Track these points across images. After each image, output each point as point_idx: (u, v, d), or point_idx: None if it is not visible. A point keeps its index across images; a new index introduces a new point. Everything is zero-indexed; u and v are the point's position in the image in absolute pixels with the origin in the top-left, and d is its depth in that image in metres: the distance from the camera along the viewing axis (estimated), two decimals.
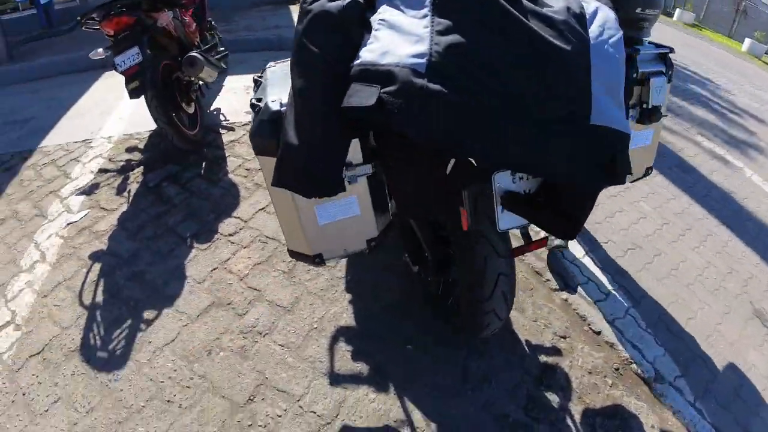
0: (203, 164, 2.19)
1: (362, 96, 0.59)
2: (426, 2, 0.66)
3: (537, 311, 1.54)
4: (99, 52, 1.78)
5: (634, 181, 1.19)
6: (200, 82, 2.29)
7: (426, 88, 0.58)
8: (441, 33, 0.62)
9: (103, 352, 1.37)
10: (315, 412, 1.21)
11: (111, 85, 3.01)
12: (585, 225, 1.97)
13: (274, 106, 0.71)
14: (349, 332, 1.42)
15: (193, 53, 1.73)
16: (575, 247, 1.87)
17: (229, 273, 1.63)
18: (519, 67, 0.64)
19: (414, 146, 0.70)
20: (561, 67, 0.67)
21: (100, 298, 1.55)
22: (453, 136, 0.61)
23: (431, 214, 0.95)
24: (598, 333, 1.51)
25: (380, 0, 0.69)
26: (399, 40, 0.63)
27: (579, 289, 1.67)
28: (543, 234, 1.22)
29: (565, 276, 1.69)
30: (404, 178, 0.79)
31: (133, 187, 2.07)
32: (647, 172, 1.17)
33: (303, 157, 0.65)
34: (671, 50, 1.04)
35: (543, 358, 1.39)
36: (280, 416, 1.20)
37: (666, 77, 1.02)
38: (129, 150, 2.35)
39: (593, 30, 0.74)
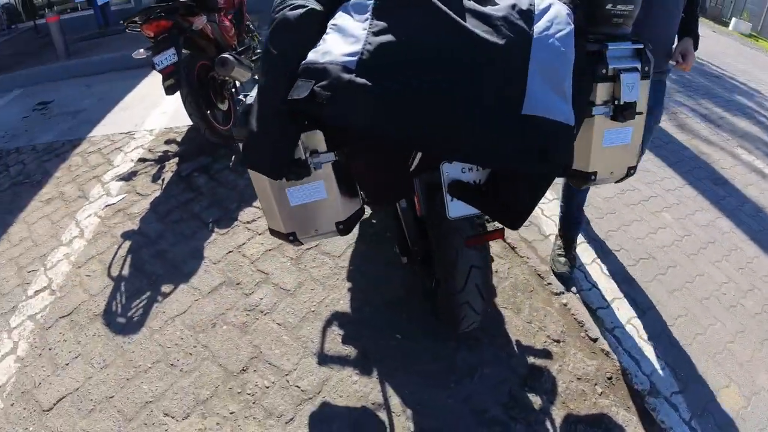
0: (233, 157, 2.36)
1: (300, 90, 0.67)
2: (369, 7, 0.74)
3: (533, 313, 1.53)
4: (141, 52, 2.00)
5: (618, 181, 1.16)
6: (234, 82, 2.48)
7: (352, 82, 0.66)
8: (375, 34, 0.70)
9: (122, 318, 1.52)
10: (299, 387, 1.28)
11: (157, 82, 3.26)
12: (597, 232, 1.95)
13: (248, 101, 0.81)
14: (343, 318, 1.49)
15: (225, 54, 1.90)
16: (584, 253, 1.83)
17: (242, 256, 1.76)
18: (450, 62, 0.70)
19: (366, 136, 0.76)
20: (492, 61, 0.72)
21: (126, 271, 1.72)
22: (378, 125, 0.67)
23: (392, 201, 1.00)
24: (595, 340, 1.47)
25: (339, 7, 0.78)
26: (340, 41, 0.71)
27: (578, 295, 1.64)
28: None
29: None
30: (362, 165, 0.85)
31: (167, 175, 2.28)
32: (629, 172, 1.15)
33: (259, 142, 0.74)
34: (646, 45, 1.03)
35: (532, 360, 1.38)
36: (267, 387, 1.28)
37: (639, 73, 1.01)
38: (167, 142, 2.58)
39: (540, 25, 0.78)
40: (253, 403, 1.25)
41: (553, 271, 1.70)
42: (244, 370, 1.33)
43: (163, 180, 2.24)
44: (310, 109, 0.68)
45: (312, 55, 0.71)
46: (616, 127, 1.05)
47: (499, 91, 0.72)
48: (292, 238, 0.92)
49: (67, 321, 1.52)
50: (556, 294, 1.61)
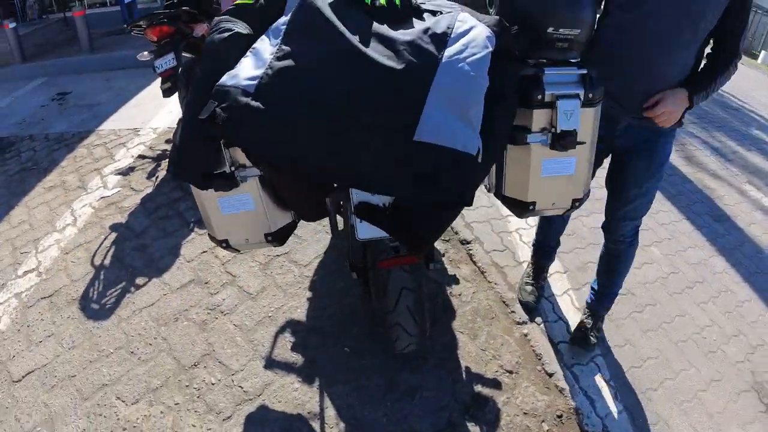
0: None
1: (205, 110, 0.76)
2: (281, 32, 0.81)
3: (490, 340, 1.58)
4: (145, 55, 2.22)
5: (566, 213, 1.18)
6: None
7: (248, 106, 0.73)
8: (279, 59, 0.76)
9: (96, 305, 1.70)
10: (242, 387, 1.39)
11: None
12: (576, 263, 1.97)
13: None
14: (297, 326, 1.60)
15: None
16: (557, 283, 1.86)
17: (215, 257, 1.91)
18: (346, 88, 0.74)
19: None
20: (388, 87, 0.75)
21: (107, 261, 1.91)
22: (271, 150, 0.75)
23: (311, 219, 1.09)
24: (551, 375, 1.50)
25: (266, 32, 0.86)
26: (250, 64, 0.79)
27: (542, 326, 1.67)
28: None
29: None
30: (278, 182, 0.95)
31: (162, 173, 2.48)
32: (574, 204, 1.13)
33: (181, 155, 0.85)
34: (589, 72, 1.00)
35: (479, 388, 1.43)
36: (213, 384, 1.41)
37: (580, 100, 0.98)
38: (168, 141, 2.80)
39: (453, 49, 0.80)
40: (198, 397, 1.37)
41: (518, 299, 1.74)
42: (195, 366, 1.46)
43: (156, 177, 2.44)
44: (211, 130, 0.76)
45: (224, 78, 0.78)
46: (556, 156, 1.04)
47: (393, 118, 0.75)
48: (225, 245, 1.04)
49: (47, 302, 1.71)
50: (519, 323, 1.65)
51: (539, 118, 0.99)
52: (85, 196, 2.32)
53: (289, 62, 0.76)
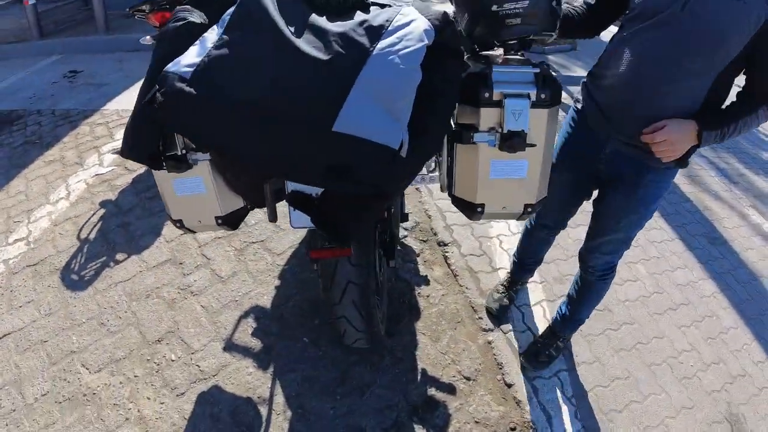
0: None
1: (149, 95, 0.83)
2: (225, 22, 0.85)
3: (452, 345, 1.62)
4: (147, 39, 2.32)
5: (520, 218, 1.19)
6: None
7: (182, 92, 0.78)
8: (217, 47, 0.81)
9: (76, 276, 1.83)
10: (199, 366, 1.49)
11: None
12: (556, 274, 1.97)
13: None
14: (261, 312, 1.68)
15: None
16: (533, 292, 1.88)
17: (193, 239, 2.01)
18: (272, 77, 0.77)
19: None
20: (313, 77, 0.77)
21: (92, 236, 2.04)
22: (201, 135, 0.80)
23: (255, 206, 1.14)
24: (510, 386, 1.53)
25: (218, 22, 0.89)
26: (194, 52, 0.83)
27: (509, 336, 1.69)
28: None
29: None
30: (220, 167, 1.01)
31: None
32: (527, 210, 1.12)
33: (130, 135, 0.93)
34: (543, 70, 0.98)
35: (432, 392, 1.47)
36: (173, 360, 1.50)
37: (529, 101, 0.96)
38: None
39: (386, 41, 0.81)
40: (156, 371, 1.47)
41: (485, 305, 1.76)
42: (159, 341, 1.57)
43: None
44: (152, 113, 0.81)
45: (169, 64, 0.83)
46: (505, 158, 1.03)
47: (315, 108, 0.77)
48: (179, 225, 1.11)
49: (31, 270, 1.86)
50: (485, 330, 1.69)
51: (487, 117, 0.99)
52: (81, 172, 2.47)
53: (224, 51, 0.80)
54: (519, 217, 1.19)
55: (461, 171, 1.10)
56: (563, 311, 1.57)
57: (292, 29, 0.82)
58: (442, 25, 0.89)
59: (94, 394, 1.41)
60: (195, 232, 1.19)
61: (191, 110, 0.79)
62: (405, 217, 1.73)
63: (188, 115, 0.79)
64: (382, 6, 0.91)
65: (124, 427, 1.33)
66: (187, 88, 0.78)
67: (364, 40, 0.81)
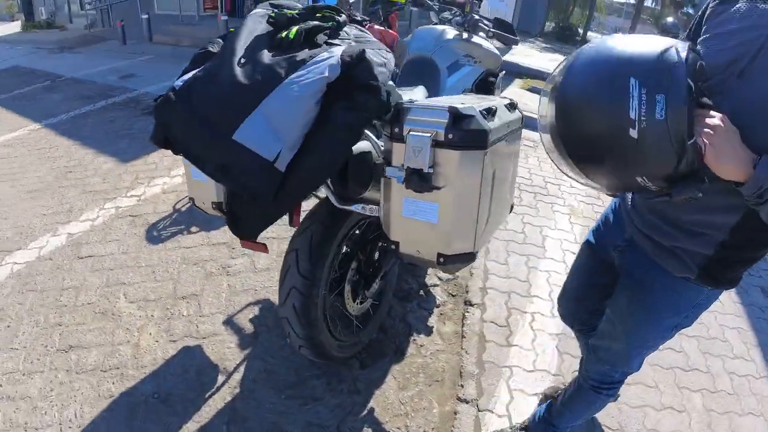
0: None
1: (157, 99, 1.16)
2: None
3: (416, 399, 1.63)
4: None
5: (444, 270, 1.19)
6: None
7: (167, 99, 1.10)
8: (200, 71, 1.12)
9: (156, 233, 2.51)
10: (197, 327, 1.87)
11: None
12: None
13: None
14: (267, 305, 2.01)
15: None
16: (537, 381, 1.74)
17: None
18: (212, 96, 1.06)
19: None
20: (234, 97, 1.03)
21: (184, 208, 2.76)
22: (171, 132, 1.11)
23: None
24: None
25: None
26: (191, 72, 1.14)
27: (481, 415, 1.60)
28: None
29: None
30: None
31: None
32: (440, 260, 1.12)
33: (154, 128, 1.28)
34: (453, 108, 1.01)
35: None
36: (183, 315, 1.93)
37: (430, 139, 1.01)
38: None
39: (298, 73, 1.03)
40: (168, 318, 1.91)
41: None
42: (183, 298, 2.03)
43: None
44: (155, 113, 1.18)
45: (177, 79, 1.19)
46: (416, 197, 1.10)
47: (228, 119, 1.04)
48: (192, 202, 1.50)
49: (130, 219, 2.63)
50: (459, 399, 1.65)
51: (397, 151, 1.09)
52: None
53: (202, 73, 1.13)
54: (442, 268, 1.22)
55: (384, 205, 1.21)
56: (542, 411, 1.45)
57: (243, 60, 1.10)
58: (353, 62, 1.06)
59: (119, 316, 1.93)
60: (205, 212, 1.58)
61: (169, 114, 1.12)
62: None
63: (167, 117, 1.13)
64: (333, 45, 1.13)
65: (123, 345, 1.78)
66: (172, 97, 1.12)
67: (282, 72, 1.04)
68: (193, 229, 2.56)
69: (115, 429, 1.49)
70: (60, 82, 6.36)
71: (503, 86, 5.87)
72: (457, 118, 1.05)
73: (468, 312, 2.04)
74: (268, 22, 1.20)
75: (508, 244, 2.57)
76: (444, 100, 1.23)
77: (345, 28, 1.24)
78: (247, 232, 1.25)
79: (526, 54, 7.82)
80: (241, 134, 1.04)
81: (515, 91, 5.81)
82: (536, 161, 3.81)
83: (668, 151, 0.73)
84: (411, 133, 1.07)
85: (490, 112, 1.11)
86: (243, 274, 2.19)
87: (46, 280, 2.16)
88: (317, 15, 1.23)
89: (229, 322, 1.91)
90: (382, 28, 3.51)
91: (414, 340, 1.88)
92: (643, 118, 0.72)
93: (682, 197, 0.78)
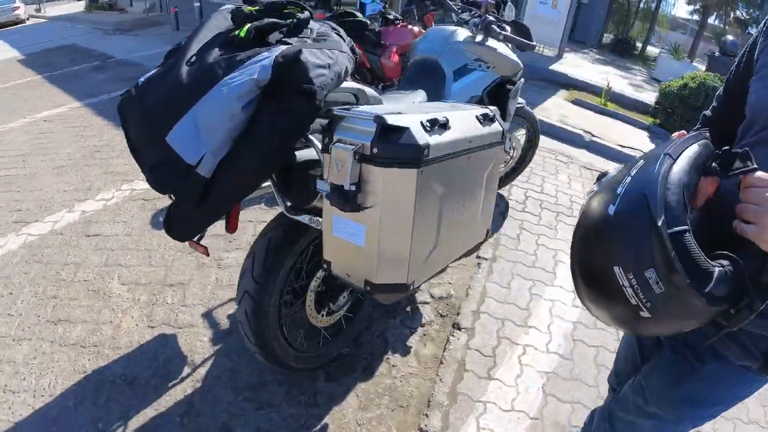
0: None
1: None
2: None
3: (374, 422, 1.61)
4: None
5: (370, 294, 1.08)
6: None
7: (128, 93, 1.16)
8: (157, 68, 1.17)
9: (161, 219, 2.66)
10: (177, 316, 1.97)
11: None
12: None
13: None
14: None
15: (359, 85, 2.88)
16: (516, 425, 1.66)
17: (253, 226, 2.62)
18: (158, 94, 1.09)
19: None
20: (175, 97, 1.05)
21: None
22: (124, 125, 1.16)
23: None
24: None
25: None
26: (154, 70, 1.18)
27: None
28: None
29: None
30: None
31: None
32: (367, 287, 1.05)
33: None
34: (380, 119, 0.93)
35: None
36: (166, 303, 2.04)
37: (352, 153, 0.93)
38: None
39: (233, 74, 1.02)
40: (152, 304, 2.03)
41: None
42: (171, 286, 2.15)
43: None
44: None
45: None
46: (344, 216, 1.04)
47: (165, 121, 1.06)
48: None
49: (141, 202, 2.81)
50: (421, 431, 1.61)
51: (326, 164, 1.05)
52: None
53: (159, 69, 1.18)
54: (371, 296, 1.15)
55: (322, 221, 1.18)
56: None
57: (193, 59, 1.11)
58: (285, 62, 1.01)
59: (109, 296, 2.07)
60: None
61: (126, 111, 1.18)
62: None
63: (125, 114, 1.19)
64: (285, 43, 1.11)
65: (106, 325, 1.92)
66: (132, 94, 1.17)
67: (220, 72, 1.04)
68: None
69: (80, 403, 1.61)
70: (109, 62, 6.94)
71: (547, 95, 5.72)
72: (385, 130, 0.97)
73: (453, 336, 1.99)
74: (232, 19, 1.22)
75: (515, 266, 2.48)
76: (385, 108, 1.17)
77: (311, 25, 1.23)
78: (179, 234, 1.26)
79: (576, 64, 7.54)
80: (172, 136, 1.05)
81: (558, 102, 5.61)
82: (566, 178, 3.64)
83: (694, 305, 0.65)
84: (336, 144, 1.02)
85: (435, 125, 1.03)
86: (233, 269, 2.27)
87: (52, 254, 2.36)
88: (279, 11, 1.22)
89: (207, 315, 2.00)
90: (417, 28, 3.52)
91: (387, 358, 1.86)
92: (644, 300, 0.66)
93: (741, 324, 0.68)
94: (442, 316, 2.11)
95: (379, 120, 0.98)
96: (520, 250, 2.63)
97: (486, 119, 1.26)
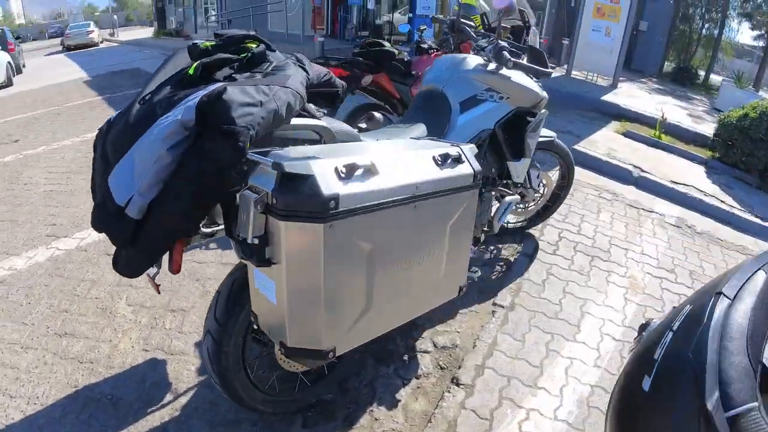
0: None
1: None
2: None
3: None
4: None
5: (286, 357, 1.06)
6: None
7: (101, 129, 1.22)
8: (130, 103, 1.20)
9: None
10: (171, 342, 2.08)
11: None
12: None
13: None
14: None
15: (376, 113, 2.98)
16: None
17: None
18: (116, 132, 1.15)
19: None
20: (120, 135, 1.10)
21: None
22: (95, 156, 1.22)
23: None
24: None
25: None
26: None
27: None
28: None
29: None
30: None
31: None
32: (282, 348, 1.01)
33: None
34: (279, 163, 0.89)
35: None
36: (165, 328, 2.17)
37: (252, 202, 0.88)
38: None
39: (166, 114, 1.06)
40: (151, 327, 2.16)
41: None
42: (172, 311, 2.28)
43: None
44: None
45: None
46: (263, 271, 1.01)
47: (113, 160, 1.11)
48: None
49: None
50: None
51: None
52: None
53: (126, 107, 1.23)
54: (288, 357, 1.14)
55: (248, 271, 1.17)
56: None
57: (147, 98, 1.18)
58: (209, 102, 1.01)
59: (114, 316, 2.23)
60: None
61: (96, 143, 1.26)
62: None
63: (95, 145, 1.27)
64: (230, 80, 1.15)
65: (105, 343, 2.07)
66: (104, 128, 1.24)
67: (159, 112, 1.08)
68: (212, 245, 2.85)
69: (65, 416, 1.74)
70: None
71: (596, 127, 5.53)
72: (285, 177, 0.91)
73: (449, 392, 1.93)
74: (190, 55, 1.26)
75: (534, 316, 2.37)
76: (308, 151, 1.07)
77: (273, 57, 1.25)
78: (123, 271, 1.31)
79: (631, 94, 7.28)
80: (112, 176, 1.11)
81: (607, 134, 5.41)
82: (609, 218, 3.47)
83: None
84: (243, 191, 0.99)
85: (353, 171, 0.94)
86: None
87: (73, 269, 2.60)
88: (236, 45, 1.25)
89: (200, 345, 2.09)
90: None
91: (372, 411, 1.83)
92: None
93: None
94: (441, 368, 2.05)
95: (278, 166, 0.92)
96: (543, 298, 2.52)
97: (447, 160, 1.17)
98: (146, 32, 17.94)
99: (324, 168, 0.95)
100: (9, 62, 10.65)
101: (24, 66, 13.43)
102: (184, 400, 1.82)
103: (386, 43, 3.36)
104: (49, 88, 9.35)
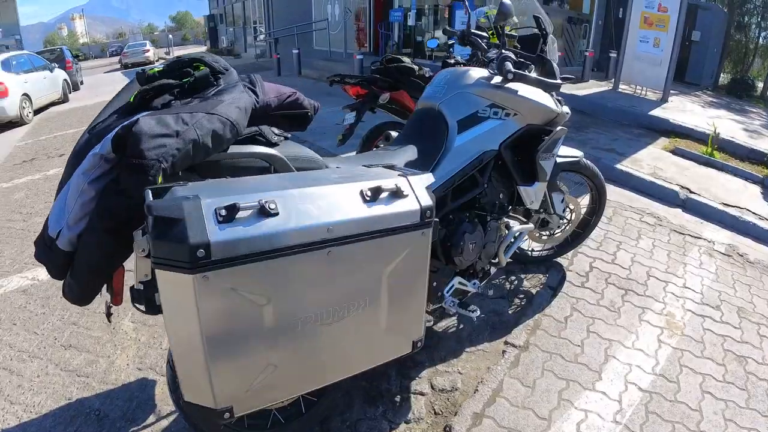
0: None
1: None
2: None
3: None
4: (347, 108, 3.37)
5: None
6: None
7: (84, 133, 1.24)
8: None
9: None
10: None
11: None
12: None
13: None
14: None
15: (393, 131, 3.01)
16: None
17: None
18: (68, 160, 1.20)
19: None
20: (67, 165, 1.15)
21: None
22: None
23: None
24: None
25: None
26: None
27: None
28: None
29: None
30: None
31: None
32: (181, 401, 1.03)
33: None
34: (149, 209, 0.88)
35: None
36: (163, 348, 2.26)
37: (139, 243, 0.89)
38: None
39: (97, 145, 1.09)
40: (150, 346, 2.26)
41: None
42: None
43: None
44: None
45: None
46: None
47: (58, 190, 1.18)
48: None
49: None
50: None
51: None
52: None
53: None
54: (186, 412, 1.22)
55: None
56: None
57: (94, 127, 1.23)
58: (123, 134, 1.02)
59: (117, 332, 2.36)
60: None
61: None
62: None
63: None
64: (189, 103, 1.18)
65: (103, 359, 2.19)
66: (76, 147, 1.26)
67: (94, 142, 1.11)
68: None
69: (54, 427, 1.86)
70: None
71: (642, 144, 5.26)
72: (157, 221, 0.84)
73: (451, 430, 1.85)
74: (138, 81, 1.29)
75: (550, 358, 2.22)
76: (198, 188, 1.00)
77: (226, 79, 1.27)
78: (70, 299, 1.35)
79: (683, 108, 6.86)
80: (52, 206, 1.19)
81: (653, 151, 5.12)
82: (649, 245, 3.24)
83: None
84: (135, 231, 1.00)
85: (233, 212, 0.84)
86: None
87: None
88: (181, 70, 1.27)
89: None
90: None
91: None
92: None
93: None
94: (435, 413, 1.96)
95: (148, 209, 0.87)
96: (563, 337, 2.35)
97: (379, 195, 1.04)
98: (201, 50, 19.40)
99: (200, 210, 0.87)
100: (66, 79, 11.95)
101: (82, 83, 14.97)
102: (165, 423, 1.88)
103: (405, 59, 3.37)
104: (102, 104, 10.14)
